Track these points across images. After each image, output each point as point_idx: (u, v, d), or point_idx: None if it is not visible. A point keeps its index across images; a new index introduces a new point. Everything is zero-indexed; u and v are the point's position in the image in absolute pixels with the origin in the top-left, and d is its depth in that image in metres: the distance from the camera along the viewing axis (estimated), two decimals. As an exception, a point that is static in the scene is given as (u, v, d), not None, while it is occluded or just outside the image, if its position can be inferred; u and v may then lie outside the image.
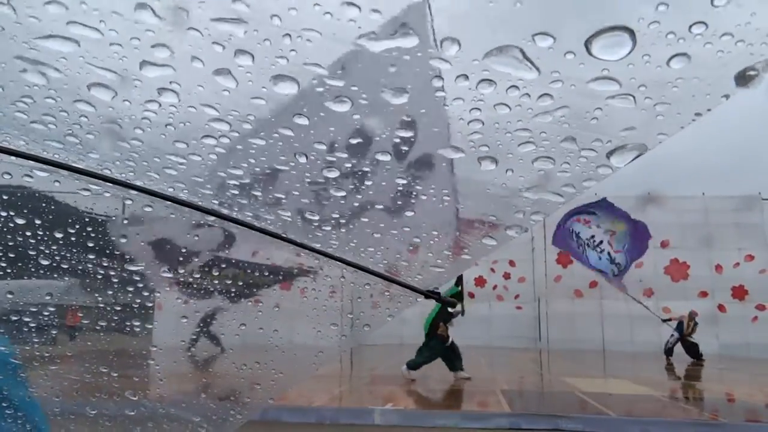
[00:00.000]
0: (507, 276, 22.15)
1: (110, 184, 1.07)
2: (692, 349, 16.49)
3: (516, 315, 22.22)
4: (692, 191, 22.49)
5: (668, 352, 16.64)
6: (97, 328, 1.29)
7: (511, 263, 21.83)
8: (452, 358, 10.20)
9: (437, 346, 10.11)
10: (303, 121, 0.91)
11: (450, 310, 10.11)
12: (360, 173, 1.01)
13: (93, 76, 0.86)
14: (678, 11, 0.68)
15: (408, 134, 0.93)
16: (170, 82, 0.87)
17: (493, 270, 21.77)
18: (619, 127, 0.80)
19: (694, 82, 0.72)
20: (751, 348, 19.52)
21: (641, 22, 0.69)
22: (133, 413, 1.29)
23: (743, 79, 0.68)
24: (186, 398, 1.43)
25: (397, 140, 0.94)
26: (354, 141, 0.95)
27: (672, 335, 16.61)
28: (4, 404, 1.28)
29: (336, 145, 0.96)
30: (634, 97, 0.76)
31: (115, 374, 1.29)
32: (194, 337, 1.46)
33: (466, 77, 0.80)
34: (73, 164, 1.03)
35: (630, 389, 10.03)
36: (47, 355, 1.32)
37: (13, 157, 1.02)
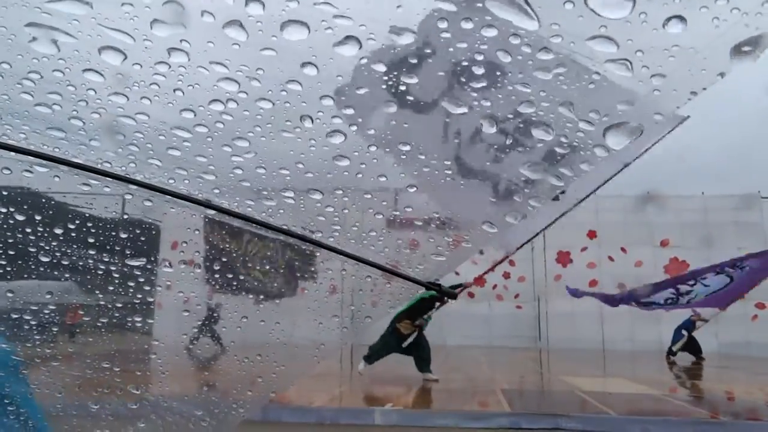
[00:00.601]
0: (507, 275, 22.07)
1: (110, 179, 1.07)
2: (694, 346, 16.43)
3: (516, 314, 22.17)
4: (691, 190, 22.54)
5: (673, 352, 16.54)
6: (98, 324, 1.29)
7: (511, 262, 21.67)
8: (421, 357, 9.88)
9: (392, 341, 9.72)
10: (312, 71, 0.89)
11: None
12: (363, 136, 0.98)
13: (104, 39, 0.86)
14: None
15: (412, 80, 0.89)
16: (180, 41, 0.86)
17: (492, 269, 21.74)
18: (616, 99, 0.79)
19: (690, 53, 0.72)
20: (751, 346, 19.51)
21: None
22: (135, 407, 1.29)
23: (738, 55, 0.68)
24: (188, 392, 1.43)
25: (403, 87, 0.90)
26: (361, 91, 0.92)
27: (683, 335, 16.48)
28: (6, 401, 1.28)
29: (343, 99, 0.93)
30: (630, 63, 0.76)
31: (117, 369, 1.29)
32: (195, 336, 1.46)
33: (469, 19, 0.79)
34: (73, 158, 1.03)
35: (630, 388, 10.02)
36: (48, 351, 1.32)
37: (12, 153, 1.02)
